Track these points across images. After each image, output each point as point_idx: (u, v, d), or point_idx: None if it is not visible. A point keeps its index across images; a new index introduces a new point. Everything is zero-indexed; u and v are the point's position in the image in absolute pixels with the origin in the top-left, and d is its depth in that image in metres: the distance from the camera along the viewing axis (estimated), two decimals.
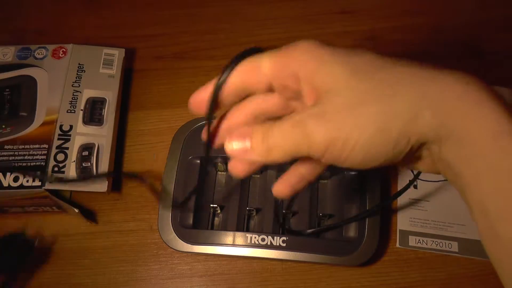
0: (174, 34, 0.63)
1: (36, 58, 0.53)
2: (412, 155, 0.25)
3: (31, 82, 0.51)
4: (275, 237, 0.49)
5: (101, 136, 0.52)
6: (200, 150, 0.55)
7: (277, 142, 0.25)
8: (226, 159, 0.54)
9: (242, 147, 0.26)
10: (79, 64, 0.54)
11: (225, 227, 0.51)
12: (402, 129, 0.23)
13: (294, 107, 0.29)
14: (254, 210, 0.52)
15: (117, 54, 0.56)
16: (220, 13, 0.65)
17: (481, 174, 0.23)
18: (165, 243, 0.49)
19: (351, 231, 0.50)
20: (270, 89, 0.27)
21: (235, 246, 0.48)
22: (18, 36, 0.60)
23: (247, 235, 0.49)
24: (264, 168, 0.56)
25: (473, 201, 0.23)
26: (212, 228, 0.52)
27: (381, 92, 0.23)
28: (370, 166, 0.25)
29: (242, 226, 0.51)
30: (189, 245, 0.49)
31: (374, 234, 0.49)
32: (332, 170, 0.54)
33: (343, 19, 0.64)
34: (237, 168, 0.30)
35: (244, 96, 0.28)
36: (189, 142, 0.54)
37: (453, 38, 0.61)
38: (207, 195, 0.54)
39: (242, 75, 0.27)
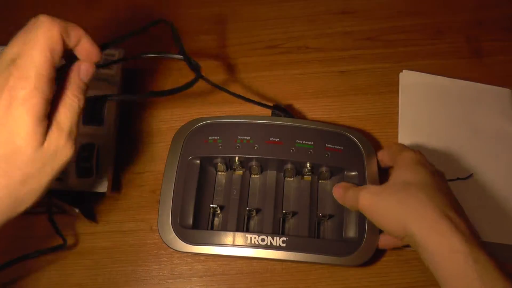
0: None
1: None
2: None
3: None
4: (275, 238, 0.49)
5: (101, 136, 0.52)
6: (200, 150, 0.55)
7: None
8: (226, 160, 0.55)
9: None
10: None
11: (225, 228, 0.51)
12: (401, 226, 0.42)
13: None
14: (254, 210, 0.52)
15: (117, 54, 0.56)
16: (219, 13, 0.66)
17: (439, 271, 0.39)
18: (164, 243, 0.49)
19: (351, 231, 0.50)
20: None
21: (235, 246, 0.49)
22: None
23: (247, 235, 0.49)
24: (263, 169, 0.57)
25: (437, 279, 0.39)
26: (212, 229, 0.52)
27: (399, 205, 0.43)
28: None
29: (242, 226, 0.51)
30: (189, 245, 0.49)
31: (374, 234, 0.49)
32: (332, 170, 0.55)
33: (343, 19, 0.64)
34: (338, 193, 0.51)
35: None
36: (189, 143, 0.54)
37: (453, 38, 0.62)
38: (207, 196, 0.54)
39: None
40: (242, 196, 0.53)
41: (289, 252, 0.49)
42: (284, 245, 0.49)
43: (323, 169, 0.55)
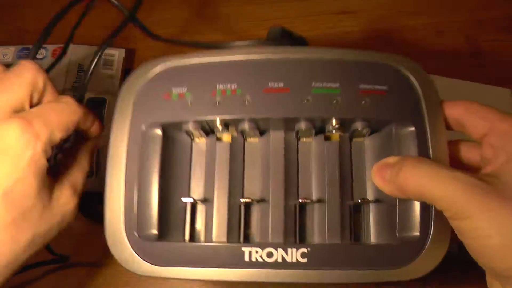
0: (174, 35, 0.62)
1: (36, 58, 0.51)
2: None
3: None
4: (289, 250, 0.32)
5: (102, 137, 0.43)
6: (159, 113, 0.35)
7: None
8: (202, 124, 0.36)
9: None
10: (79, 64, 0.56)
11: (209, 236, 0.35)
12: None
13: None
14: (253, 201, 0.35)
15: (117, 54, 0.57)
16: (219, 13, 0.64)
17: None
18: (119, 263, 0.33)
19: (409, 226, 0.33)
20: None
21: (226, 267, 0.32)
22: (18, 36, 0.60)
23: (243, 249, 0.32)
24: (264, 129, 0.36)
25: None
26: (190, 239, 0.36)
27: None
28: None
29: (236, 232, 0.35)
30: (155, 266, 0.33)
31: (444, 229, 0.32)
32: (372, 125, 0.35)
33: (343, 19, 0.63)
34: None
35: None
36: (141, 101, 0.35)
37: (453, 38, 0.61)
38: (178, 183, 0.36)
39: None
40: (233, 178, 0.36)
41: (313, 271, 0.32)
42: (304, 260, 0.32)
43: (358, 124, 0.34)
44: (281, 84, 0.35)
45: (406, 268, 0.32)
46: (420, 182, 0.29)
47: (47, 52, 0.57)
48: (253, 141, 0.37)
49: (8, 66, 0.34)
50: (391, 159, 0.32)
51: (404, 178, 0.30)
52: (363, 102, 0.34)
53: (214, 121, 0.34)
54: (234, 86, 0.35)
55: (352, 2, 0.64)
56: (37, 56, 0.54)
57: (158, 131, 0.35)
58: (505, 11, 0.61)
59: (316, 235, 0.35)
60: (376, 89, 0.34)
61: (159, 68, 0.36)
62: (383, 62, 0.35)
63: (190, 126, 0.35)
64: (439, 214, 0.31)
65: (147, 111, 0.35)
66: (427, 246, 0.32)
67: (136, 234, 0.33)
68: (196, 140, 0.38)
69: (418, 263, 0.32)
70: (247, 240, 0.35)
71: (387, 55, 0.36)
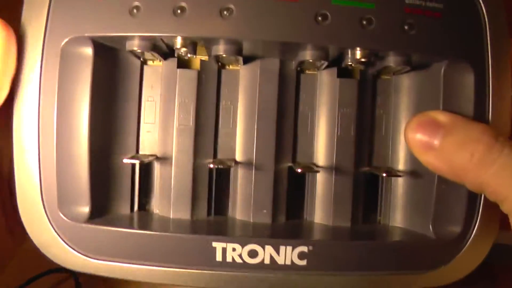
0: None
1: None
2: None
3: None
4: (282, 247, 0.22)
5: None
6: (90, 21, 0.22)
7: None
8: (154, 41, 0.23)
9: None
10: None
11: (166, 211, 0.24)
12: None
13: None
14: (228, 165, 0.24)
15: None
16: None
17: None
18: (40, 251, 0.23)
19: (449, 218, 0.23)
20: None
21: (189, 268, 0.22)
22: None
23: (214, 244, 0.22)
24: (251, 54, 0.24)
25: None
26: (140, 220, 0.25)
27: None
28: None
29: (204, 206, 0.25)
30: (87, 259, 0.23)
31: (491, 224, 0.23)
32: (413, 60, 0.23)
33: None
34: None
35: None
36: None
37: None
38: (121, 133, 0.25)
39: None
40: (202, 126, 0.25)
41: (316, 275, 0.23)
42: (303, 262, 0.22)
43: (393, 60, 0.23)
44: None
45: (436, 272, 0.23)
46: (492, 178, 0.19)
47: None
48: (233, 69, 0.25)
49: None
50: (441, 116, 0.21)
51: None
52: (406, 26, 0.22)
53: (174, 39, 0.22)
54: None
55: None
56: None
57: (87, 50, 0.22)
58: (505, 11, 0.57)
59: (316, 214, 0.25)
60: (429, 7, 0.22)
61: None
62: None
63: (137, 45, 0.22)
64: (490, 205, 0.22)
65: (69, 17, 0.22)
66: (467, 245, 0.23)
67: (59, 212, 0.22)
68: (149, 63, 0.25)
69: (451, 266, 0.23)
70: (223, 231, 0.24)
71: None
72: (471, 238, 0.23)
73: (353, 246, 0.23)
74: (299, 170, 0.23)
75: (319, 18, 0.22)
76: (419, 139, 0.21)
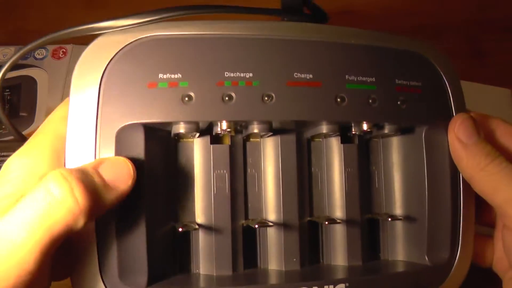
0: None
1: (36, 59, 0.53)
2: None
3: (31, 83, 0.52)
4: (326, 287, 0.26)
5: None
6: (140, 110, 0.25)
7: None
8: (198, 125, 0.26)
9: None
10: None
11: (208, 269, 0.27)
12: None
13: None
14: (258, 226, 0.28)
15: None
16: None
17: None
18: None
19: (439, 246, 0.29)
20: None
21: None
22: (18, 36, 0.59)
23: None
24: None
25: None
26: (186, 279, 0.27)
27: None
28: None
29: (240, 263, 0.28)
30: None
31: (469, 247, 0.30)
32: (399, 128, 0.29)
33: (343, 19, 0.59)
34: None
35: None
36: (112, 91, 0.25)
37: (453, 38, 0.60)
38: (165, 205, 0.27)
39: None
40: (235, 194, 0.28)
41: None
42: None
43: (390, 128, 0.29)
44: (310, 76, 0.26)
45: None
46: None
47: (47, 52, 0.54)
48: (254, 141, 0.29)
49: None
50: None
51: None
52: (399, 102, 0.28)
53: (219, 122, 0.25)
54: (249, 74, 0.25)
55: (352, 2, 0.61)
56: (37, 56, 0.53)
57: (139, 135, 0.25)
58: (505, 11, 0.61)
59: (332, 257, 0.30)
60: (412, 86, 0.29)
61: (141, 39, 0.24)
62: (413, 49, 0.29)
63: (183, 128, 0.25)
64: (468, 230, 0.28)
65: (122, 106, 0.24)
66: (454, 266, 0.29)
67: (119, 281, 0.24)
68: (183, 140, 0.28)
69: (446, 285, 0.29)
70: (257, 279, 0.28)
71: (418, 42, 0.30)
72: (456, 259, 0.29)
73: (380, 280, 0.28)
74: (326, 223, 0.28)
75: (338, 100, 0.27)
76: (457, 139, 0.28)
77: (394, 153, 0.31)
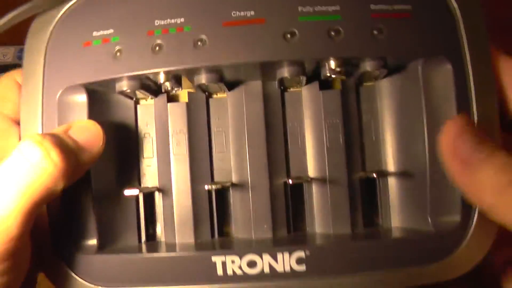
0: None
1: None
2: None
3: None
4: (279, 255, 0.23)
5: None
6: (78, 69, 0.24)
7: None
8: (141, 80, 0.24)
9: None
10: None
11: (171, 237, 0.26)
12: None
13: None
14: (226, 186, 0.25)
15: None
16: None
17: None
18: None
19: (447, 208, 0.23)
20: None
21: (193, 284, 0.23)
22: (18, 36, 0.53)
23: (214, 259, 0.23)
24: (233, 79, 0.25)
25: None
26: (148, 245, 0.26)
27: None
28: None
29: (207, 228, 0.26)
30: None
31: None
32: (389, 64, 0.24)
33: None
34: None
35: None
36: (53, 54, 0.25)
37: None
38: (123, 168, 0.26)
39: None
40: (196, 154, 0.26)
41: (317, 280, 0.23)
42: (302, 268, 0.23)
43: (368, 65, 0.23)
44: (251, 13, 0.23)
45: (441, 265, 0.23)
46: None
47: None
48: (220, 97, 0.26)
49: (8, 66, 0.32)
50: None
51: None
52: (375, 31, 0.22)
53: (156, 75, 0.23)
54: (180, 20, 0.23)
55: None
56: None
57: (81, 97, 0.24)
58: (505, 11, 0.55)
59: (317, 224, 0.25)
60: (396, 10, 0.23)
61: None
62: None
63: (125, 86, 0.24)
64: None
65: (61, 69, 0.24)
66: (469, 235, 0.23)
67: (68, 246, 0.24)
68: (142, 102, 0.27)
69: (456, 257, 0.23)
70: (225, 236, 0.26)
71: None
72: (472, 226, 0.23)
73: (352, 248, 0.23)
74: (290, 182, 0.24)
75: (288, 36, 0.22)
76: (452, 154, 0.21)
77: (390, 98, 0.25)
